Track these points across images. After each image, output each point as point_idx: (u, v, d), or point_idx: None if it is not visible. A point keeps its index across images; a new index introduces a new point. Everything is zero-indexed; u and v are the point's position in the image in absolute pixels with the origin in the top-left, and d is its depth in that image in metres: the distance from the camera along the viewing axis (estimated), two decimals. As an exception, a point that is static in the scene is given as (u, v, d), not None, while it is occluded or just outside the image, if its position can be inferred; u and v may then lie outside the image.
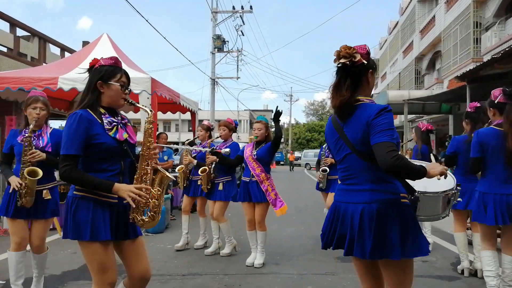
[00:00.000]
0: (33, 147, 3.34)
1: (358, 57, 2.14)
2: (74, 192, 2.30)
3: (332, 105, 2.26)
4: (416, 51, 22.29)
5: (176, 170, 5.72)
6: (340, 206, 2.24)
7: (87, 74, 2.44)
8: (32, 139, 3.37)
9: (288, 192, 13.68)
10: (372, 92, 2.37)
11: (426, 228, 5.70)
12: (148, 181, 2.36)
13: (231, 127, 5.40)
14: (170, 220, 7.45)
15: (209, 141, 5.57)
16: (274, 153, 4.89)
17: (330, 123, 2.33)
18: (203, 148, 5.20)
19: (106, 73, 2.35)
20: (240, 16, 24.78)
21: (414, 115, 19.54)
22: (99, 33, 9.03)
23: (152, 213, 2.33)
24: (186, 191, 5.67)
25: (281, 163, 46.20)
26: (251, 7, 24.34)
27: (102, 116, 2.34)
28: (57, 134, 3.49)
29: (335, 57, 2.19)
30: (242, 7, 24.29)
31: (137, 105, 2.55)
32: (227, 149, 4.76)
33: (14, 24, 11.32)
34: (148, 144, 2.38)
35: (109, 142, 2.30)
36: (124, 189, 2.23)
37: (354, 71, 2.17)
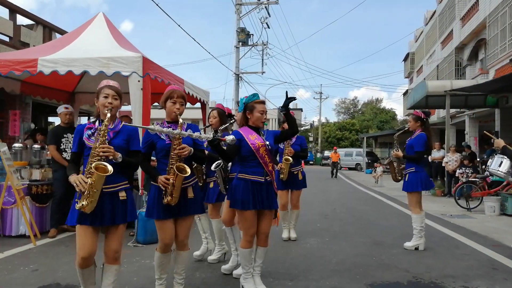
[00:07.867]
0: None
1: None
2: None
3: None
4: (456, 40, 20.33)
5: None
6: None
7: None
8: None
9: (314, 194, 12.33)
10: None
11: None
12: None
13: (224, 114, 4.34)
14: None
15: (222, 127, 4.32)
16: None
17: None
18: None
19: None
20: (266, 7, 23.67)
21: (454, 110, 17.60)
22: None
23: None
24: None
25: (311, 162, 44.50)
26: (276, -2, 23.15)
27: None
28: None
29: None
30: (268, -2, 23.13)
31: None
32: (231, 137, 3.43)
33: (14, 10, 10.46)
34: None
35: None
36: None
37: None
